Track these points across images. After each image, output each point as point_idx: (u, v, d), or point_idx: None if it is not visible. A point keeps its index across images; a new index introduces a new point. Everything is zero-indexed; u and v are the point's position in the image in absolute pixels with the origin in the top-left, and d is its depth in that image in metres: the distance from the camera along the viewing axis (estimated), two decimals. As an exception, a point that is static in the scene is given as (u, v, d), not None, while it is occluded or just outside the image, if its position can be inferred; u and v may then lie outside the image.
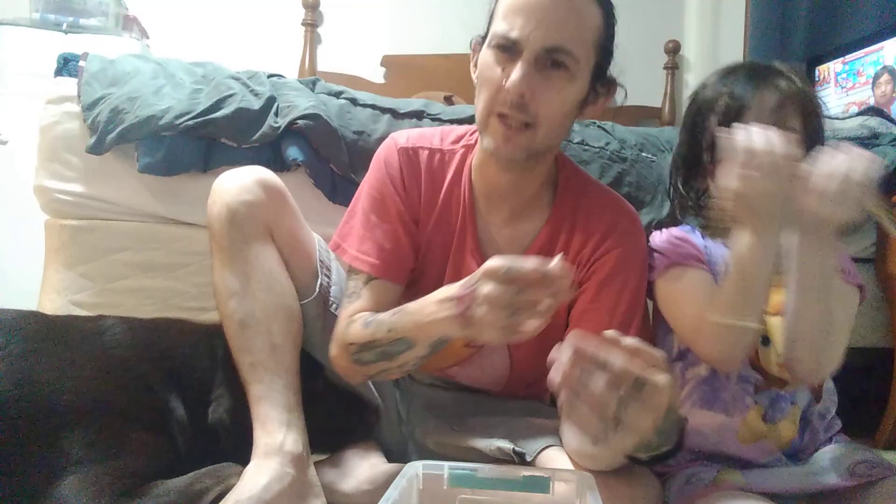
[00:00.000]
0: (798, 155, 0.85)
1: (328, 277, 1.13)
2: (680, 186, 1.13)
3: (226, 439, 0.99)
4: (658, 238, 1.12)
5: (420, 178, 1.08)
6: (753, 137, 0.85)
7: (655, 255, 1.09)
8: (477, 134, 1.06)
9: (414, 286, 1.11)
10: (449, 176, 1.09)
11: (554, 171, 1.10)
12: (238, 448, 0.97)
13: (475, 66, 1.02)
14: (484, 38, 1.00)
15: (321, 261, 1.12)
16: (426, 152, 1.09)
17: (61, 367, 0.90)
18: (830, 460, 0.99)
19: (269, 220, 1.05)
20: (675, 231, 1.11)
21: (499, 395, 1.19)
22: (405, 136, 1.12)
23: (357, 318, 1.00)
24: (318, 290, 1.10)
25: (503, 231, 1.08)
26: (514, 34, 0.92)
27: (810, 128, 1.01)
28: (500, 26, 0.94)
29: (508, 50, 0.93)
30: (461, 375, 1.18)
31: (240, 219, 1.02)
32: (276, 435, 0.94)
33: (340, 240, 1.10)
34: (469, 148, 1.10)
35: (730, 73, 1.06)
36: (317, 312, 1.09)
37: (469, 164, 1.09)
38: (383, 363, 0.95)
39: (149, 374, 0.97)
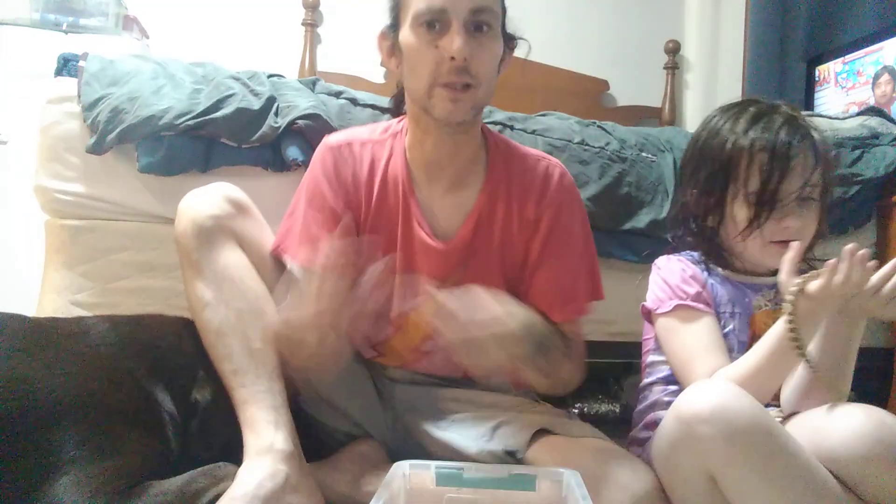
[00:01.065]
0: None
1: None
2: (693, 223, 1.15)
3: (210, 421, 0.99)
4: (667, 268, 1.13)
5: (353, 167, 1.14)
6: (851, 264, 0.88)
7: (664, 287, 1.10)
8: (403, 122, 1.16)
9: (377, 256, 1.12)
10: (383, 160, 1.14)
11: (482, 138, 1.17)
12: (224, 431, 0.98)
13: (391, 55, 1.11)
14: (393, 27, 1.09)
15: (291, 271, 1.12)
16: (357, 143, 1.16)
17: (49, 366, 0.89)
18: None
19: (237, 230, 1.07)
20: (684, 264, 1.12)
21: (479, 387, 1.19)
22: (334, 136, 1.19)
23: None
24: (288, 300, 1.09)
25: (444, 200, 1.13)
26: (439, 3, 0.99)
27: (829, 176, 1.07)
28: (420, 4, 1.00)
29: (433, 25, 1.00)
30: (435, 352, 1.17)
31: (206, 230, 1.04)
32: (265, 435, 0.95)
33: (280, 241, 1.13)
34: (396, 135, 1.17)
35: (761, 117, 1.07)
36: None
37: (402, 146, 1.15)
38: None
39: (135, 368, 0.97)
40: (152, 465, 0.90)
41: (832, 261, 0.89)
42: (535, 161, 1.17)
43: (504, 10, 1.08)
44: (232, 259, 1.05)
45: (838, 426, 0.87)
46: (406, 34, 1.05)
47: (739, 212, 1.06)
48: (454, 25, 0.99)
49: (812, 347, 0.95)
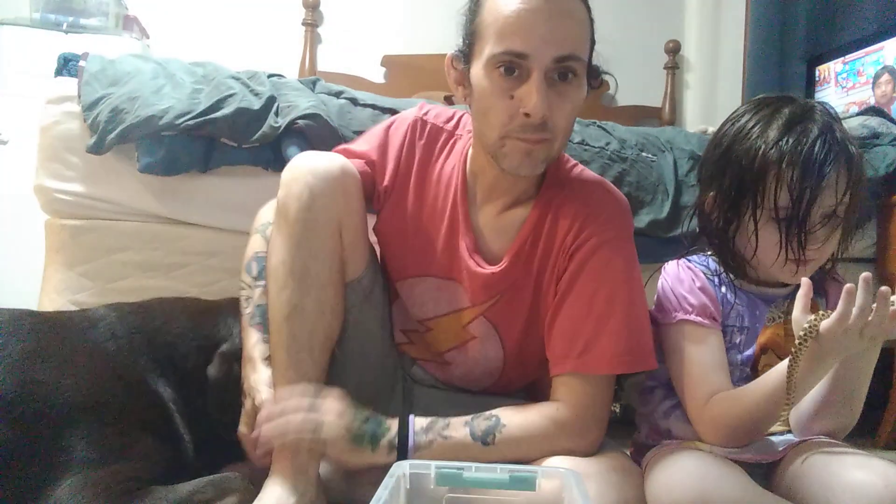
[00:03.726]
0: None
1: (374, 273, 1.12)
2: (708, 227, 1.07)
3: (225, 393, 1.01)
4: (674, 276, 1.07)
5: (422, 151, 1.09)
6: (858, 304, 0.82)
7: (670, 297, 1.05)
8: None
9: (405, 247, 1.10)
10: (448, 158, 1.09)
11: None
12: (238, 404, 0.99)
13: (458, 83, 1.00)
14: (465, 55, 0.97)
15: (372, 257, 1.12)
16: (431, 128, 1.11)
17: (59, 365, 0.90)
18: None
19: (342, 214, 1.00)
20: (694, 273, 1.06)
21: (497, 394, 1.19)
22: (432, 113, 1.13)
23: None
24: (364, 273, 1.08)
25: (495, 221, 1.07)
26: (519, 47, 0.89)
27: (859, 195, 0.98)
28: (499, 46, 0.90)
29: (512, 70, 0.90)
30: (456, 364, 1.16)
31: (318, 206, 0.97)
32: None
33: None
34: (469, 134, 1.10)
35: (794, 124, 0.97)
36: (356, 300, 1.07)
37: (466, 150, 1.08)
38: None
39: (143, 363, 0.98)
40: (160, 466, 0.90)
41: (845, 292, 0.82)
42: (591, 187, 1.06)
43: (593, 43, 0.97)
44: (328, 248, 0.99)
45: (846, 485, 0.84)
46: (478, 73, 0.93)
47: (763, 228, 0.98)
48: (535, 75, 0.89)
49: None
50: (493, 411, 0.96)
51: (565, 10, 0.91)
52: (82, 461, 0.83)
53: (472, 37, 0.95)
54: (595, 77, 1.00)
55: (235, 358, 1.04)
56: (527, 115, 0.90)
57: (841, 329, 0.83)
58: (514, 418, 0.95)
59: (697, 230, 1.12)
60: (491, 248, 1.07)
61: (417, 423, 0.94)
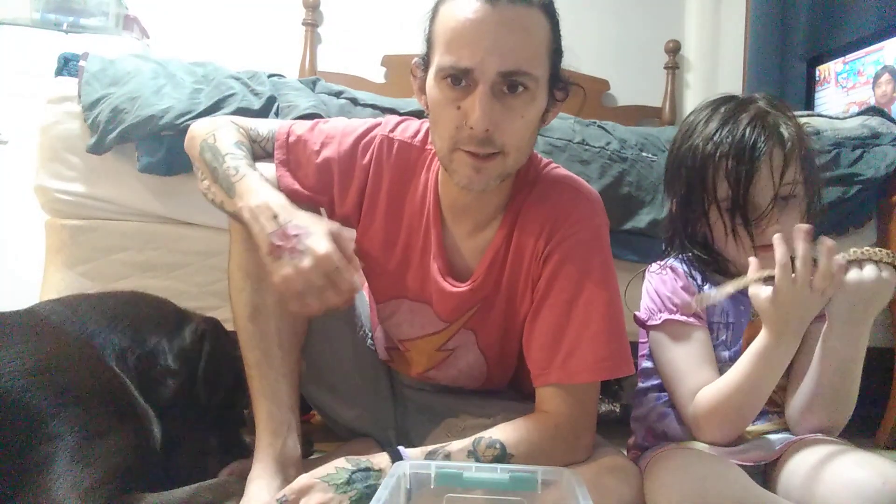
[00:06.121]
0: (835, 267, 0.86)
1: None
2: (682, 232, 1.09)
3: (214, 368, 1.04)
4: (658, 278, 1.09)
5: (391, 175, 1.05)
6: (799, 255, 0.85)
7: (655, 298, 1.07)
8: None
9: (381, 270, 1.09)
10: (420, 177, 1.05)
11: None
12: (228, 378, 1.03)
13: (420, 91, 0.97)
14: (424, 61, 0.95)
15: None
16: (399, 145, 1.05)
17: (30, 359, 0.86)
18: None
19: None
20: (676, 274, 1.08)
21: (492, 394, 1.19)
22: (392, 123, 1.08)
23: (245, 130, 1.05)
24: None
25: (467, 242, 1.04)
26: (464, 63, 0.86)
27: (808, 170, 1.01)
28: (444, 59, 0.88)
29: (459, 81, 0.88)
30: (439, 377, 1.17)
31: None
32: (278, 437, 0.95)
33: (295, 128, 1.07)
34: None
35: (729, 118, 1.01)
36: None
37: (437, 171, 1.04)
38: (207, 172, 1.00)
39: (106, 347, 0.97)
40: (133, 451, 0.87)
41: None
42: (559, 187, 1.02)
43: (558, 56, 0.94)
44: None
45: (845, 483, 0.84)
46: (430, 82, 0.92)
47: (716, 221, 1.01)
48: (480, 88, 0.86)
49: (814, 364, 0.95)
50: (494, 435, 0.93)
51: (515, 23, 0.86)
52: (68, 448, 0.81)
53: (427, 44, 0.93)
54: (562, 89, 0.97)
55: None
56: (472, 127, 0.87)
57: (787, 279, 0.85)
58: (518, 445, 0.93)
59: (672, 236, 1.13)
60: (463, 267, 1.05)
61: (412, 454, 0.90)
